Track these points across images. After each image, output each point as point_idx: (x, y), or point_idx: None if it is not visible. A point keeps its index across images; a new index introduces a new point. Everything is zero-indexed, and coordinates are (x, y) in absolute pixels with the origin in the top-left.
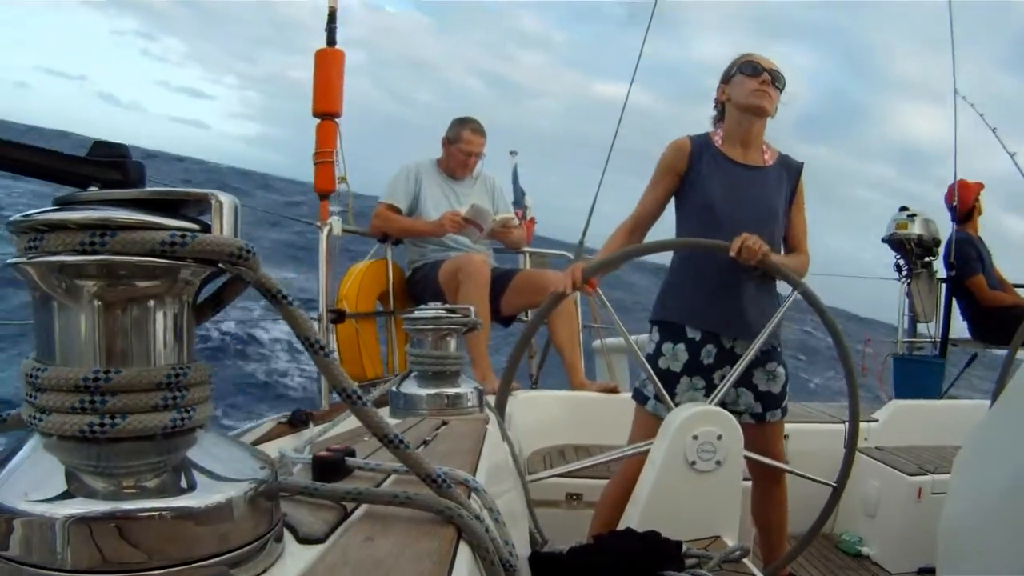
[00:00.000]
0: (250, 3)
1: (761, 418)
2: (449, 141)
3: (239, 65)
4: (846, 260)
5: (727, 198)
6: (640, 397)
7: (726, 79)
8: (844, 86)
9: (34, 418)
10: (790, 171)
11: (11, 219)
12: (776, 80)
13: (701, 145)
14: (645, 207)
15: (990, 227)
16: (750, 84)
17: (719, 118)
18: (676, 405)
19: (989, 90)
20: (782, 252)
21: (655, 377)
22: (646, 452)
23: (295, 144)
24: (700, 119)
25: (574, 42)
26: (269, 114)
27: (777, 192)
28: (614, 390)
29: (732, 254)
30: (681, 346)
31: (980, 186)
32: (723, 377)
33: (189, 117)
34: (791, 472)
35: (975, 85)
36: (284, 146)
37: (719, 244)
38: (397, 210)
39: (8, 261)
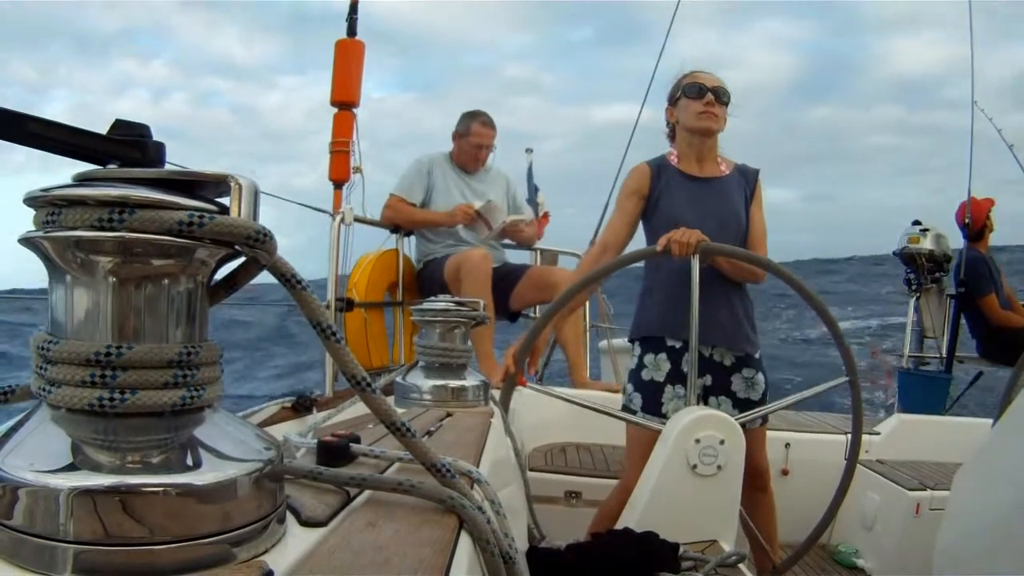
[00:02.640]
0: (236, 121)
1: (741, 426)
2: (459, 135)
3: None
4: (882, 210)
5: (690, 211)
6: (627, 412)
7: (672, 101)
8: (827, 43)
9: (43, 390)
10: (747, 177)
11: (28, 193)
12: (720, 97)
13: (659, 167)
14: (613, 231)
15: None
16: (695, 107)
17: (671, 135)
18: (663, 416)
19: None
20: None
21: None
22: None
23: (315, 248)
24: None
25: (561, 78)
26: (282, 224)
27: (738, 198)
28: (616, 390)
29: (659, 249)
30: (663, 355)
31: (991, 202)
32: (703, 387)
33: None
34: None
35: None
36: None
37: (646, 251)
38: (410, 203)
39: (24, 234)
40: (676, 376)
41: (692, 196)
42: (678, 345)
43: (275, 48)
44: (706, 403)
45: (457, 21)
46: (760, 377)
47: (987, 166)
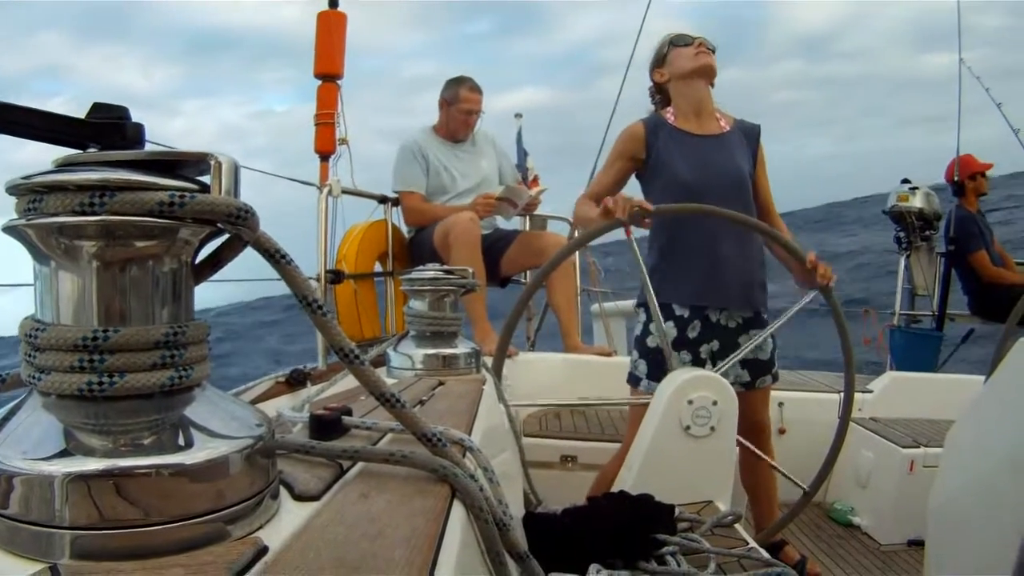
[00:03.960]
0: None
1: (751, 385)
2: (447, 102)
3: None
4: (790, 161)
5: (695, 171)
6: (633, 380)
7: (659, 62)
8: (724, 6)
9: (33, 377)
10: (748, 135)
11: (9, 181)
12: (707, 44)
13: (655, 125)
14: (602, 186)
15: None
16: (688, 51)
17: (663, 105)
18: None
19: None
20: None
21: (659, 316)
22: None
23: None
24: (607, 88)
25: (464, 71)
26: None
27: (742, 157)
28: (608, 354)
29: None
30: (670, 323)
31: (988, 166)
32: (711, 352)
33: None
34: (777, 470)
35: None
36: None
37: (799, 252)
38: (421, 195)
39: (7, 223)
40: (682, 342)
41: (694, 154)
42: (686, 314)
43: (175, 73)
44: (714, 367)
45: (349, 27)
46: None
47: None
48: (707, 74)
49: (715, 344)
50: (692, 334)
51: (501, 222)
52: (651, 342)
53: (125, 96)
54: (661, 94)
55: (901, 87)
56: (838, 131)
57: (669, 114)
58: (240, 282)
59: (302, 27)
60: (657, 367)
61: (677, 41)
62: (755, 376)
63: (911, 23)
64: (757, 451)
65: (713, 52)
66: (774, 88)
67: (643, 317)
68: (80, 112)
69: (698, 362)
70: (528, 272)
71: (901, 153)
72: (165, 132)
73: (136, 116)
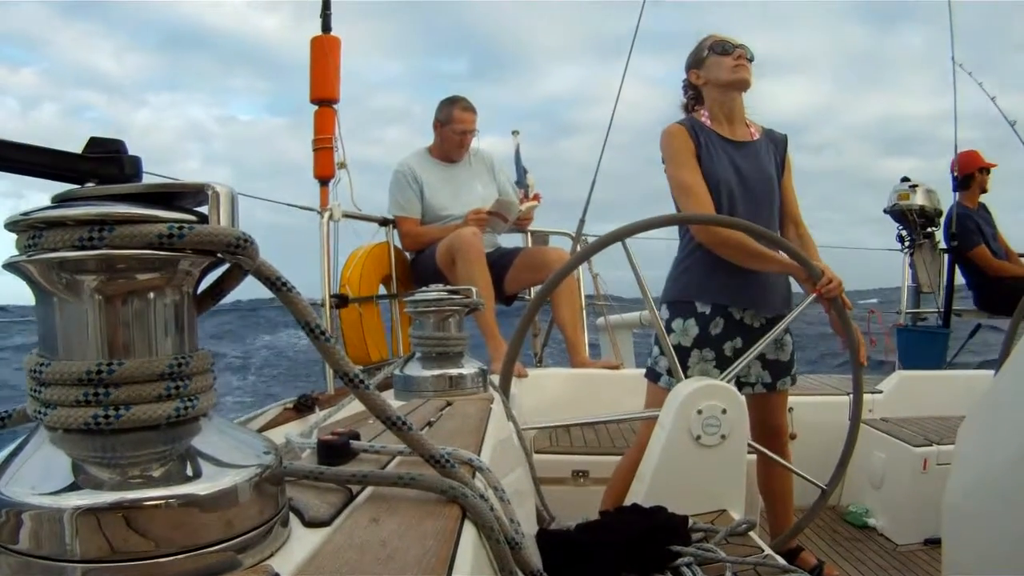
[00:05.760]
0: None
1: (772, 387)
2: (441, 123)
3: None
4: None
5: (733, 176)
6: (652, 375)
7: (697, 63)
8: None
9: (39, 412)
10: (777, 143)
11: (9, 218)
12: (747, 55)
13: (694, 127)
14: (701, 186)
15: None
16: (727, 62)
17: (694, 104)
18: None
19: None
20: (777, 226)
21: (668, 341)
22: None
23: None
24: (568, 148)
25: (432, 109)
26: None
27: (770, 165)
28: (616, 367)
29: (816, 291)
30: (691, 321)
31: (992, 165)
32: (734, 349)
33: None
34: (794, 471)
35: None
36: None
37: (812, 265)
38: (414, 219)
39: (7, 259)
40: (703, 341)
41: (731, 159)
42: (708, 311)
43: (148, 63)
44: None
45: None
46: (788, 338)
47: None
48: (743, 87)
49: (738, 341)
50: (715, 331)
51: (502, 240)
52: (673, 340)
53: (95, 77)
54: (693, 90)
55: (858, 186)
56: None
57: (704, 117)
58: (242, 311)
59: (279, 41)
60: (678, 363)
61: (717, 48)
62: (776, 378)
63: (878, 126)
64: (773, 456)
65: (751, 61)
66: None
67: (666, 315)
68: (48, 86)
69: (722, 360)
70: (532, 290)
71: (851, 252)
72: (128, 121)
73: (102, 101)
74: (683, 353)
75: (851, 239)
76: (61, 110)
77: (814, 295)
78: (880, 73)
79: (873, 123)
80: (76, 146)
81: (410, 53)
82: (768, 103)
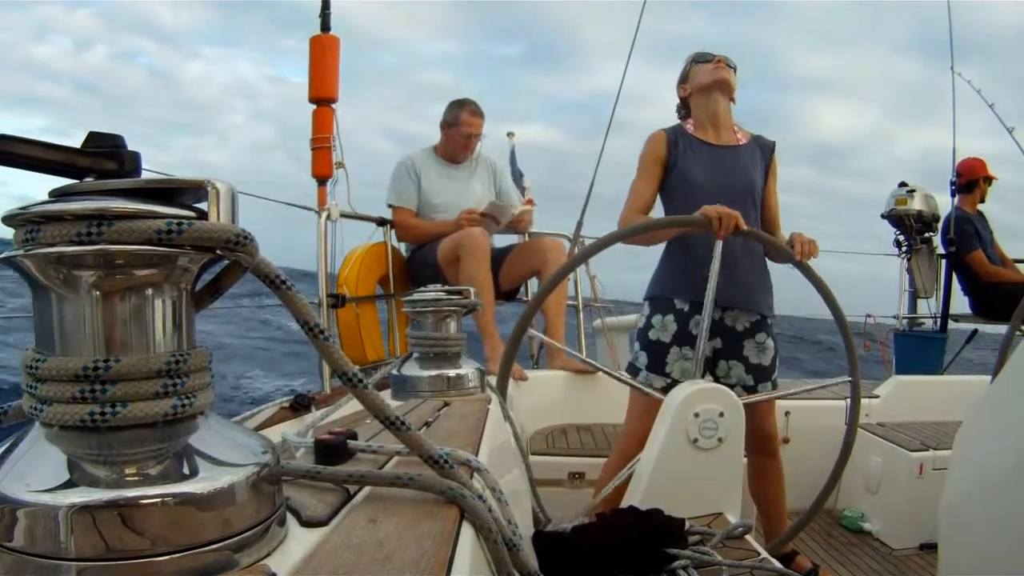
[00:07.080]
0: (153, 85)
1: (753, 390)
2: (448, 125)
3: (150, 152)
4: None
5: (707, 177)
6: (632, 369)
7: (684, 78)
8: (752, 98)
9: (35, 409)
10: (764, 149)
11: (6, 212)
12: (728, 62)
13: (676, 133)
14: (642, 197)
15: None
16: (707, 67)
17: (685, 117)
18: (667, 375)
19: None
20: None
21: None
22: (645, 428)
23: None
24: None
25: (479, 91)
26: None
27: (753, 167)
28: (590, 372)
29: (702, 216)
30: (670, 317)
31: (995, 177)
32: (715, 349)
33: None
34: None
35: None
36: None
37: (688, 219)
38: (409, 210)
39: (4, 255)
40: (682, 338)
41: (710, 163)
42: (686, 308)
43: (204, 16)
44: (715, 367)
45: (378, 19)
46: (770, 342)
47: None
48: (723, 87)
49: (717, 341)
50: (695, 330)
51: (498, 240)
52: (652, 335)
53: (149, 25)
54: (685, 108)
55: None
56: (824, 246)
57: (689, 124)
58: (242, 308)
59: (337, 7)
60: (656, 359)
61: (698, 58)
62: (757, 382)
63: (922, 160)
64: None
65: (733, 70)
66: (781, 188)
67: (647, 310)
68: (102, 28)
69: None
70: (530, 283)
71: (869, 283)
72: (178, 71)
73: (154, 49)
74: (662, 348)
75: (873, 271)
76: (113, 53)
77: (789, 263)
78: (929, 110)
79: (918, 157)
80: (124, 86)
81: (466, 32)
82: (823, 121)
